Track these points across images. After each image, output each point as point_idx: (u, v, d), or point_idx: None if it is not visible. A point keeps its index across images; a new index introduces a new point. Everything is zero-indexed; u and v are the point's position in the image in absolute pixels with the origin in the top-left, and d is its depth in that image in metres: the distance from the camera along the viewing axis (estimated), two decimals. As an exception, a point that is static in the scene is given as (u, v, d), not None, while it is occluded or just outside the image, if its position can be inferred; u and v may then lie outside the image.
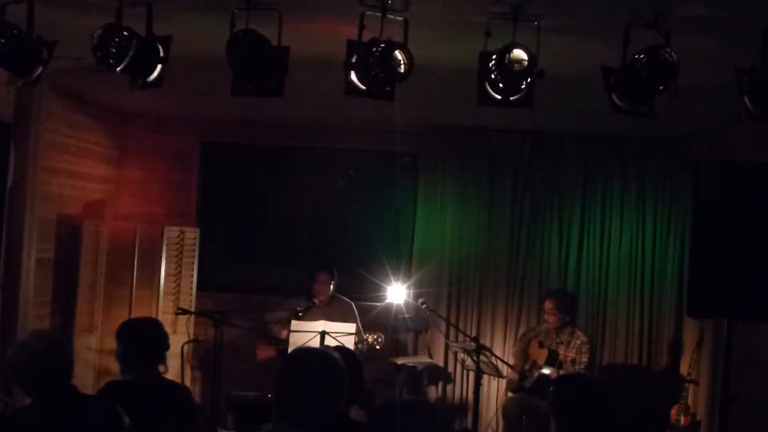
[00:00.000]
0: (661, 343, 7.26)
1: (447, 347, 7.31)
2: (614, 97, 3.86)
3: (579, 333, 6.65)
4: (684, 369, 6.74)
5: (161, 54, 3.96)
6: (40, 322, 6.24)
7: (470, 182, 7.43)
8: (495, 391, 7.27)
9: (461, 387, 7.31)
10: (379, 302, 7.04)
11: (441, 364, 7.33)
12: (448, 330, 7.30)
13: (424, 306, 6.73)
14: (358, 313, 6.66)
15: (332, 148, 7.84)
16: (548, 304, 6.69)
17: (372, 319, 6.95)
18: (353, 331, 6.22)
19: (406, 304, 7.05)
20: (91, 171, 7.13)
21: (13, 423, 3.23)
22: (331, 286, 6.66)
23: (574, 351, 6.54)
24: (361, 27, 3.68)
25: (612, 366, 7.30)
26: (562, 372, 6.34)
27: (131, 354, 3.89)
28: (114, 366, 6.52)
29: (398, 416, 2.43)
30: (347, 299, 6.74)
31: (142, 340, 3.92)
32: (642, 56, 3.65)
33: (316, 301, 6.52)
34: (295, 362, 2.73)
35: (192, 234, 7.18)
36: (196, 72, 5.15)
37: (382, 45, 3.69)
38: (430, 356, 7.34)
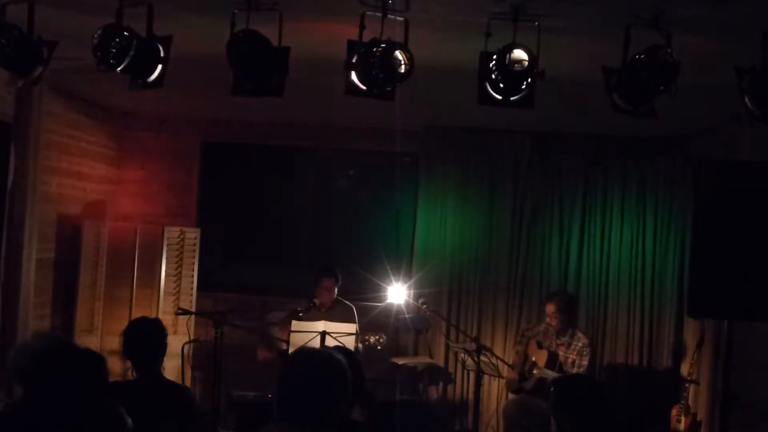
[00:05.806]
0: (661, 343, 7.24)
1: (447, 347, 7.29)
2: (615, 97, 3.86)
3: (580, 335, 6.62)
4: (685, 369, 6.73)
5: (161, 54, 3.97)
6: (40, 322, 6.24)
7: (471, 182, 7.43)
8: (495, 392, 7.24)
9: (461, 387, 7.29)
10: (380, 302, 7.02)
11: (441, 364, 7.32)
12: (448, 330, 7.30)
13: (424, 306, 6.72)
14: (359, 315, 6.64)
15: (332, 148, 7.84)
16: (550, 308, 6.61)
17: (373, 320, 6.94)
18: (353, 331, 6.19)
19: (407, 304, 7.03)
20: (91, 171, 7.13)
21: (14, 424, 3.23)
22: (335, 290, 6.56)
23: (575, 353, 6.51)
24: (362, 27, 3.69)
25: (612, 366, 7.29)
26: (561, 374, 6.32)
27: (132, 354, 3.94)
28: (114, 366, 6.59)
29: (398, 416, 2.42)
30: (349, 303, 6.68)
31: (141, 340, 3.95)
32: (642, 56, 3.66)
33: (316, 301, 6.49)
34: (298, 362, 2.72)
35: (192, 234, 7.18)
36: (196, 72, 5.14)
37: (383, 45, 3.69)
38: (431, 356, 7.33)
